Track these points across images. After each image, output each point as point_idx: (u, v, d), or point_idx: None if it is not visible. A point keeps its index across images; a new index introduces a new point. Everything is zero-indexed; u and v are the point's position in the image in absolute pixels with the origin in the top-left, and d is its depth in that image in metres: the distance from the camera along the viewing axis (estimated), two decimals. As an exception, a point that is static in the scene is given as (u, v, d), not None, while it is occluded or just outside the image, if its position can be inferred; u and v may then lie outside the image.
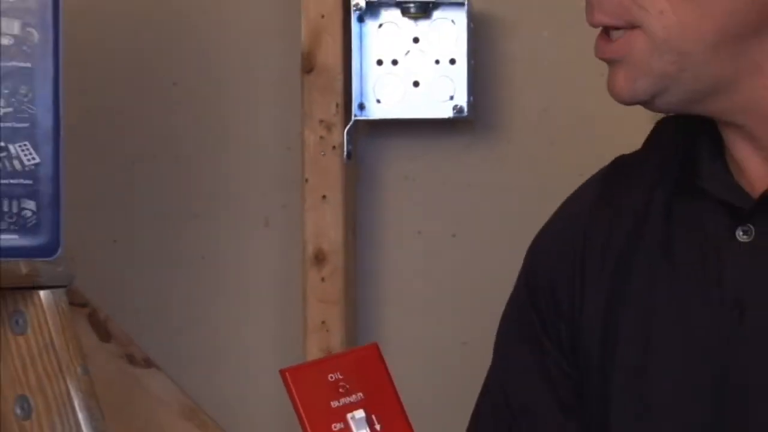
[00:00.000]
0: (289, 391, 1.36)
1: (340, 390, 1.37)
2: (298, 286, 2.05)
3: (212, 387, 2.14)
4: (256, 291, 2.13)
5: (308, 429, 1.36)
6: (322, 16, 2.04)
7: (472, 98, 2.05)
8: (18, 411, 1.57)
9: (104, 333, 2.11)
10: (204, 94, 2.14)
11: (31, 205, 1.54)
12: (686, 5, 1.37)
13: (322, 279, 2.01)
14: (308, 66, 2.05)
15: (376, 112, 2.07)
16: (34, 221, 1.54)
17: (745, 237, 1.38)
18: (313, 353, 2.01)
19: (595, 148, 2.04)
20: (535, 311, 1.53)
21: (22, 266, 1.53)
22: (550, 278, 1.52)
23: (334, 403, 1.36)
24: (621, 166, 1.53)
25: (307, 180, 2.04)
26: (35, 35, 1.54)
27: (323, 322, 2.06)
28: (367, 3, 2.06)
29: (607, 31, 1.39)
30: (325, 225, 2.03)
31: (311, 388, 1.37)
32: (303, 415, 1.37)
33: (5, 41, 1.53)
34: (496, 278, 2.10)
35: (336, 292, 2.07)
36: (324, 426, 1.36)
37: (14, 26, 1.53)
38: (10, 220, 1.52)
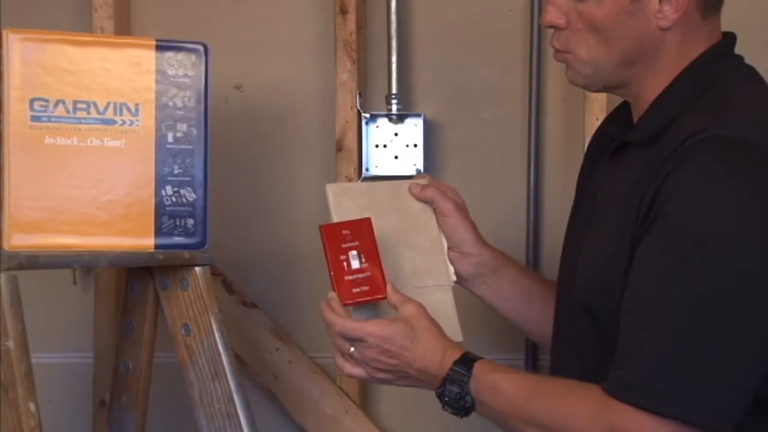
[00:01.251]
0: (321, 237, 1.46)
1: (347, 239, 1.46)
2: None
3: (290, 315, 2.13)
4: (311, 267, 2.10)
5: (329, 256, 1.45)
6: (347, 122, 2.06)
7: (426, 164, 2.08)
8: (183, 332, 1.65)
9: (230, 289, 2.12)
10: (285, 162, 2.14)
11: (191, 221, 1.62)
12: (600, 45, 1.41)
13: (346, 261, 2.05)
14: (339, 147, 2.07)
15: (375, 171, 2.08)
16: (192, 230, 1.62)
17: (611, 157, 1.47)
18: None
19: (486, 186, 2.08)
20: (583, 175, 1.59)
21: (186, 254, 1.61)
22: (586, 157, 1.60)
23: (344, 245, 1.45)
24: (616, 109, 1.56)
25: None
26: (194, 131, 1.62)
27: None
28: (370, 115, 2.07)
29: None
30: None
31: (333, 236, 1.46)
32: (327, 249, 1.46)
33: (179, 134, 1.61)
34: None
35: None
36: (337, 256, 1.45)
37: (184, 126, 1.62)
38: (180, 230, 1.61)
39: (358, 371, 1.48)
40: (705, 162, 1.29)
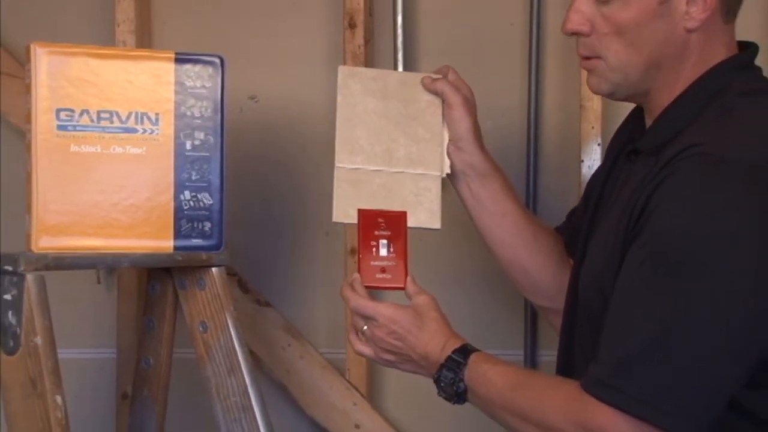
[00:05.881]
0: (358, 221, 1.49)
1: (381, 226, 1.48)
2: (342, 264, 2.07)
3: (301, 313, 2.14)
4: (322, 267, 2.14)
5: (360, 238, 1.48)
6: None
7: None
8: (200, 329, 1.67)
9: (245, 289, 2.13)
10: (297, 168, 2.14)
11: (208, 224, 1.63)
12: (628, 48, 1.36)
13: (354, 262, 2.00)
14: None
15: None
16: (209, 233, 1.63)
17: (627, 158, 1.45)
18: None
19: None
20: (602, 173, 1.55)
21: (203, 255, 1.63)
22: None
23: (376, 232, 1.48)
24: (630, 115, 1.52)
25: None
26: (211, 139, 1.64)
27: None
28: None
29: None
30: (354, 235, 1.92)
31: (368, 221, 1.48)
32: (360, 232, 1.49)
33: (197, 142, 1.63)
34: (428, 252, 2.11)
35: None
36: (368, 241, 1.48)
37: (201, 135, 1.63)
38: (198, 232, 1.63)
39: (366, 350, 1.52)
40: (688, 177, 1.26)
